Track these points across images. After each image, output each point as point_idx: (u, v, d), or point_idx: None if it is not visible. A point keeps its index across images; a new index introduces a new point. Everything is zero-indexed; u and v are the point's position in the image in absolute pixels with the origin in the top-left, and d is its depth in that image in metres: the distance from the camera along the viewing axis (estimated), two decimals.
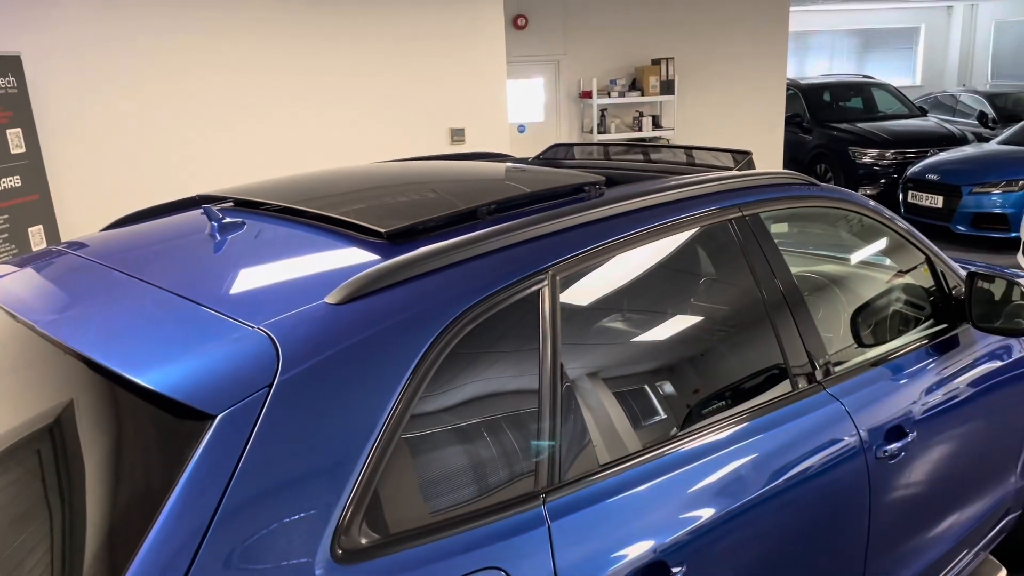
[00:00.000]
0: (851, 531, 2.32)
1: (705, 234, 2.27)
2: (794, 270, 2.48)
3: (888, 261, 3.02)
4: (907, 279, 2.93)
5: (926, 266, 2.90)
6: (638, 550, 1.75)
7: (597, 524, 1.74)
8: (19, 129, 5.66)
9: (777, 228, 2.57)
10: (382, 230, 1.86)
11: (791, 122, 12.74)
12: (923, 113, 13.32)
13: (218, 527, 1.34)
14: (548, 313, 1.82)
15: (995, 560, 3.23)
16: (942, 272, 2.91)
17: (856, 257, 3.22)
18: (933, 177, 9.84)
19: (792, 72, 19.07)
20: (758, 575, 2.02)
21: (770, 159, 11.38)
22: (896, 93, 13.58)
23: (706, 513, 1.90)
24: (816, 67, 19.91)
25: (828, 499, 2.22)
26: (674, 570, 1.78)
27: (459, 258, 1.77)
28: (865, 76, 14.49)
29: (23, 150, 5.67)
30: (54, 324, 1.70)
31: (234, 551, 1.34)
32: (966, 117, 14.13)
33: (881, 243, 2.96)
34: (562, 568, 1.64)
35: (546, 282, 1.84)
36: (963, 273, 2.99)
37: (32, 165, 5.74)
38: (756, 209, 2.37)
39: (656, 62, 10.32)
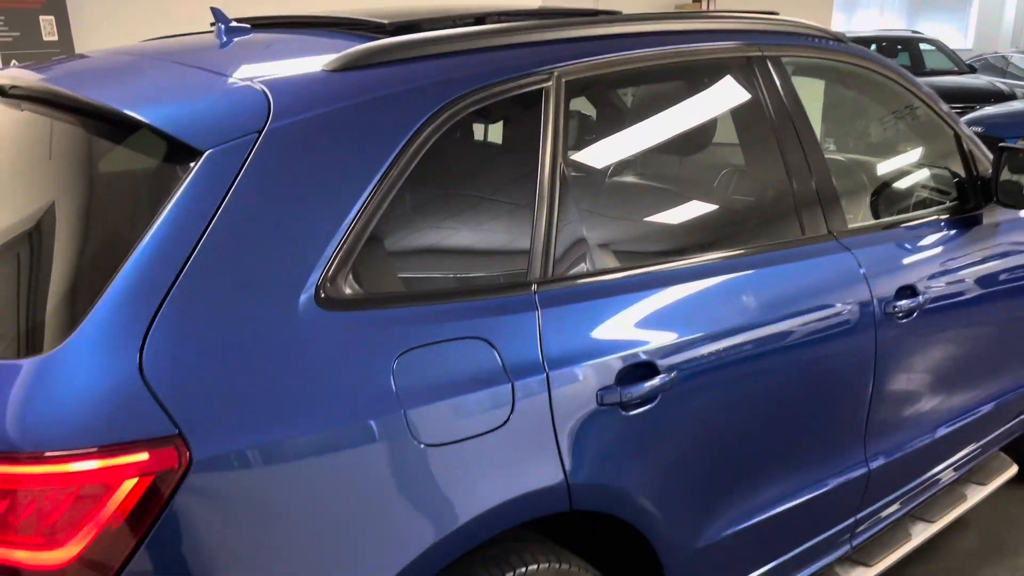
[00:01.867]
0: (854, 389, 2.27)
1: (723, 66, 2.21)
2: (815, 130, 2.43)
3: (913, 133, 2.94)
4: (931, 153, 2.85)
5: (953, 141, 2.82)
6: (628, 349, 1.73)
7: (587, 320, 1.72)
8: (52, 16, 5.69)
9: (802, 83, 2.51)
10: (385, 22, 1.85)
11: None
12: (972, 71, 12.94)
13: (199, 259, 1.34)
14: (552, 112, 1.79)
15: (1007, 456, 3.18)
16: (969, 150, 2.83)
17: (879, 126, 3.14)
18: (977, 129, 9.57)
19: (839, 26, 18.57)
20: (750, 416, 2.01)
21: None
22: (945, 50, 13.18)
23: (700, 329, 1.86)
24: (864, 22, 19.37)
25: (831, 348, 2.17)
26: (662, 375, 1.76)
27: (462, 47, 1.75)
28: (914, 31, 14.08)
29: (55, 38, 5.70)
30: (55, 81, 1.71)
31: (214, 284, 1.35)
32: (1016, 79, 13.71)
33: (907, 114, 2.88)
34: (549, 353, 1.63)
35: (551, 83, 1.80)
36: (990, 154, 2.90)
37: (64, 52, 5.78)
38: (777, 52, 2.30)
39: None
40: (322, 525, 1.36)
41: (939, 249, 2.57)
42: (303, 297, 1.41)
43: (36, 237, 1.50)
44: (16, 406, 1.23)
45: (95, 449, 1.21)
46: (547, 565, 1.66)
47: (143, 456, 1.23)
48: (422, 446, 1.45)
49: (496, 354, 1.57)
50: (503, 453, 1.55)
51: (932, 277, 2.48)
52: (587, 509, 1.67)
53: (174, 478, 1.24)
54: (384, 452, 1.42)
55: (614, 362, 1.71)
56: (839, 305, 2.18)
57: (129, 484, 1.22)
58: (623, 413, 1.71)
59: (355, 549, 1.39)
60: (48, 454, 1.20)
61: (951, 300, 2.56)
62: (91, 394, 1.24)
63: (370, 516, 1.40)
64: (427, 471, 1.46)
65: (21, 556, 1.20)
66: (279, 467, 1.32)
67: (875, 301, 2.27)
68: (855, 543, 2.47)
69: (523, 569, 1.62)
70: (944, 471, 2.77)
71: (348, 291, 1.47)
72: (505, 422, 1.54)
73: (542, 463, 1.60)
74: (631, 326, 1.78)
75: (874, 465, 2.39)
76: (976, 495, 2.91)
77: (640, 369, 1.74)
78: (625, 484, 1.72)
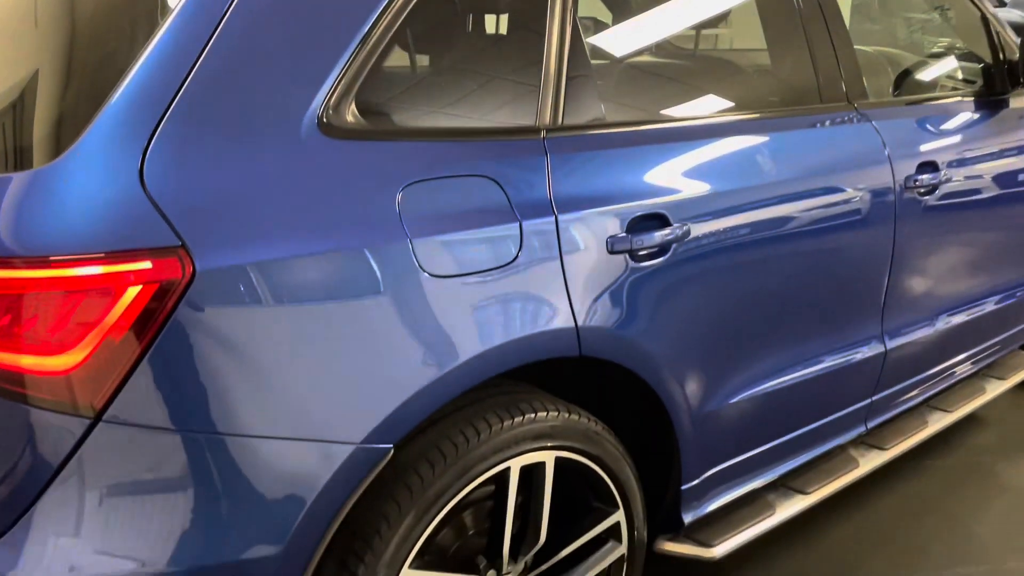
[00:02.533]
0: (871, 262, 2.23)
1: None
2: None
3: (939, 18, 2.85)
4: (958, 37, 2.77)
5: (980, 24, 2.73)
6: (640, 199, 1.70)
7: (598, 169, 1.69)
8: None
9: None
10: None
11: None
12: (1002, 6, 12.60)
13: (200, 75, 1.31)
14: None
15: None
16: (997, 34, 2.74)
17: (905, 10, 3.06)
18: None
19: None
20: (763, 279, 1.97)
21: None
22: None
23: (714, 186, 1.83)
24: None
25: (849, 218, 2.13)
26: (674, 227, 1.73)
27: None
28: None
29: None
30: None
31: (216, 102, 1.32)
32: None
33: None
34: (558, 196, 1.60)
35: None
36: (1018, 39, 2.81)
37: None
38: None
39: None
40: (324, 351, 1.35)
41: (963, 130, 2.51)
42: (305, 121, 1.38)
43: (35, 52, 1.48)
44: (18, 214, 1.22)
45: (100, 255, 1.20)
46: (556, 414, 1.65)
47: (146, 264, 1.21)
48: (429, 276, 1.42)
49: (503, 194, 1.54)
50: (511, 291, 1.53)
51: (954, 156, 2.41)
52: (596, 356, 1.65)
53: (177, 289, 1.23)
54: (390, 279, 1.40)
55: (625, 211, 1.67)
56: (857, 175, 2.14)
57: (133, 292, 1.21)
58: (633, 264, 1.68)
59: (357, 376, 1.38)
60: (53, 258, 1.19)
61: (972, 182, 2.50)
62: (93, 204, 1.23)
63: (374, 344, 1.39)
64: (434, 302, 1.44)
65: (26, 362, 1.20)
66: (282, 286, 1.31)
67: (895, 174, 2.21)
68: (870, 425, 2.45)
69: (532, 415, 1.61)
70: (961, 363, 2.74)
71: (351, 120, 1.43)
72: (513, 260, 1.52)
73: (550, 305, 1.58)
74: (643, 178, 1.75)
75: (891, 345, 2.36)
76: (995, 389, 2.87)
77: (651, 220, 1.71)
78: (635, 334, 1.70)
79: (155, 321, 1.22)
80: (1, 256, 1.21)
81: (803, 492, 2.26)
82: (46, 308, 1.20)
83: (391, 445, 1.41)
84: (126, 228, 1.22)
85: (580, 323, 1.61)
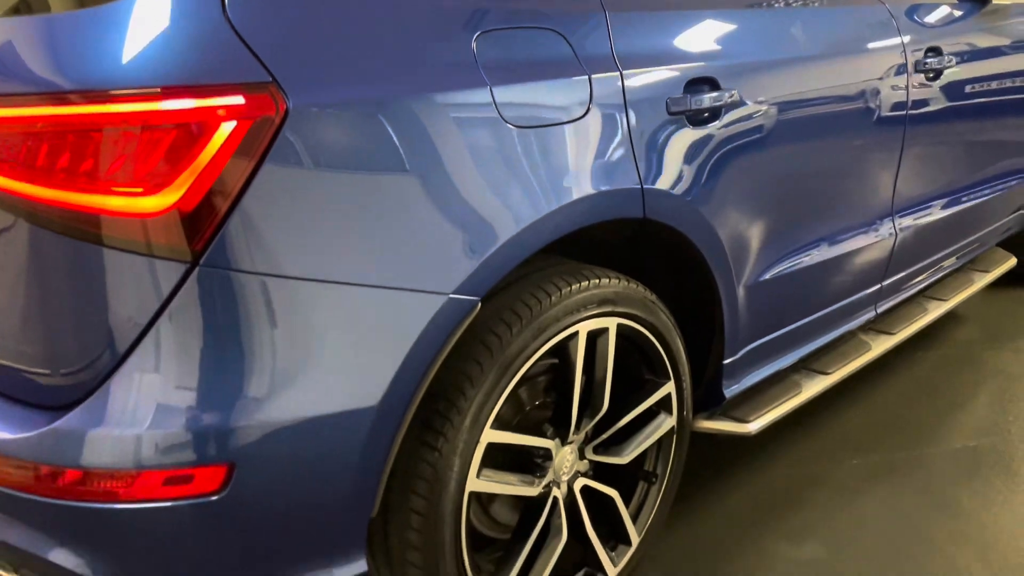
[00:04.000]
0: (888, 146, 2.29)
1: None
2: None
3: None
4: None
5: None
6: (693, 61, 1.70)
7: (654, 29, 1.69)
8: None
9: None
10: None
11: None
12: None
13: None
14: None
15: (1006, 251, 3.28)
16: None
17: None
18: None
19: None
20: (799, 149, 2.00)
21: None
22: None
23: (760, 53, 1.86)
24: None
25: (872, 97, 2.17)
26: (724, 90, 1.73)
27: None
28: None
29: None
30: None
31: None
32: None
33: None
34: (619, 52, 1.58)
35: None
36: None
37: None
38: None
39: None
40: (416, 197, 1.31)
41: (958, 21, 2.58)
42: None
43: None
44: (98, 45, 1.14)
45: (193, 86, 1.13)
46: (617, 281, 1.65)
47: (239, 100, 1.15)
48: (510, 127, 1.40)
49: (570, 47, 1.52)
50: (584, 146, 1.51)
51: (954, 44, 2.49)
52: (657, 219, 1.66)
53: (271, 127, 1.17)
54: (475, 127, 1.36)
55: (681, 72, 1.67)
56: (878, 56, 2.19)
57: (227, 128, 1.14)
58: (690, 127, 1.69)
59: (449, 226, 1.35)
60: (142, 90, 1.11)
61: (979, 68, 2.59)
62: (177, 37, 1.15)
63: (463, 192, 1.35)
64: (515, 152, 1.41)
65: (115, 203, 1.13)
66: (374, 127, 1.26)
67: (907, 56, 2.27)
68: (879, 310, 2.54)
69: (596, 281, 1.61)
70: (953, 254, 2.86)
71: None
72: (585, 113, 1.50)
73: (618, 163, 1.57)
74: (695, 41, 1.75)
75: (900, 229, 2.44)
76: (982, 280, 3.01)
77: (704, 84, 1.72)
78: (692, 199, 1.71)
79: (251, 161, 1.16)
80: (74, 90, 1.13)
81: (824, 373, 2.34)
82: (136, 145, 1.13)
83: (478, 298, 1.39)
84: (214, 61, 1.16)
85: (644, 184, 1.61)
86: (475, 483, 1.50)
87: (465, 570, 1.53)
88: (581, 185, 1.50)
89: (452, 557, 1.49)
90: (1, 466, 1.22)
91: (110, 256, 1.16)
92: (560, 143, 1.48)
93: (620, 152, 1.57)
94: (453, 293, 1.35)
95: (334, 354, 1.28)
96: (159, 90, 1.12)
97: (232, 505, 1.24)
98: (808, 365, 2.36)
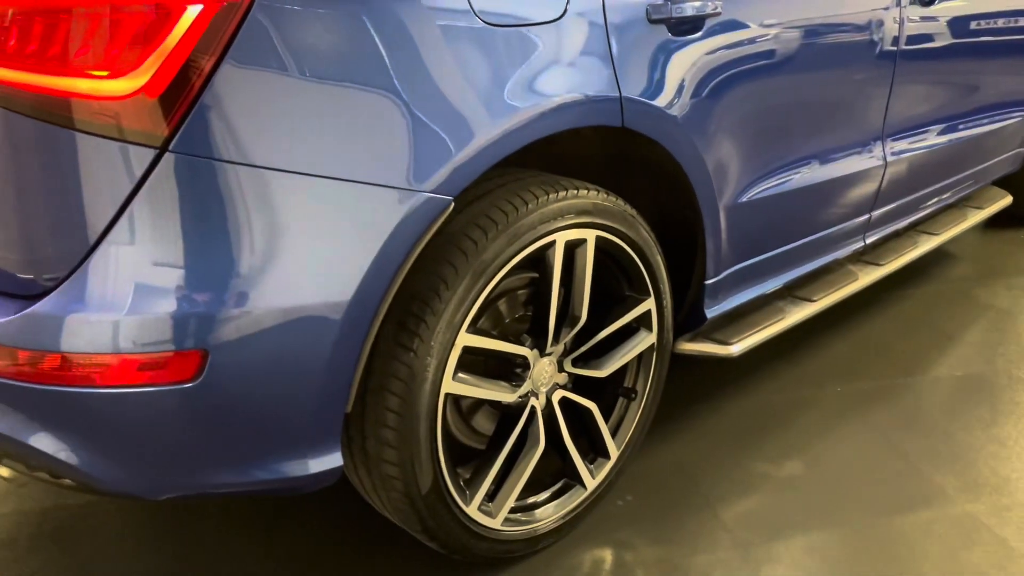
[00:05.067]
0: (879, 72, 2.27)
1: None
2: None
3: None
4: None
5: None
6: None
7: None
8: None
9: None
10: None
11: None
12: None
13: None
14: None
15: (1001, 189, 3.27)
16: None
17: None
18: None
19: None
20: (786, 70, 1.98)
21: None
22: None
23: None
24: None
25: (863, 18, 2.15)
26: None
27: None
28: None
29: None
30: None
31: None
32: None
33: None
34: None
35: None
36: None
37: None
38: None
39: None
40: (390, 91, 1.31)
41: None
42: None
43: None
44: None
45: None
46: (596, 192, 1.65)
47: None
48: (484, 24, 1.39)
49: None
50: (561, 49, 1.51)
51: None
52: (636, 129, 1.65)
53: (238, 12, 1.17)
54: (457, 25, 1.36)
55: None
56: None
57: (193, 12, 1.14)
58: (672, 37, 1.68)
59: (423, 123, 1.35)
60: None
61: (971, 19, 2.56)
62: None
63: (438, 90, 1.35)
64: (490, 51, 1.41)
65: (83, 86, 1.15)
66: (345, 16, 1.26)
67: None
68: (868, 240, 2.53)
69: (575, 191, 1.61)
70: (946, 188, 2.84)
71: None
72: (563, 15, 1.49)
73: (596, 69, 1.56)
74: None
75: (890, 158, 2.42)
76: (975, 216, 3.00)
77: None
78: (672, 110, 1.70)
79: (217, 46, 1.17)
80: None
81: (810, 300, 2.34)
82: (96, 27, 1.13)
83: (452, 198, 1.39)
84: None
85: (623, 92, 1.60)
86: (451, 385, 1.52)
87: (441, 472, 1.56)
88: (557, 88, 1.50)
89: (428, 456, 1.52)
90: None
91: (81, 140, 1.17)
92: (536, 44, 1.47)
93: (598, 57, 1.57)
94: (426, 191, 1.35)
95: (307, 246, 1.29)
96: None
97: (206, 393, 1.26)
98: (793, 292, 2.37)
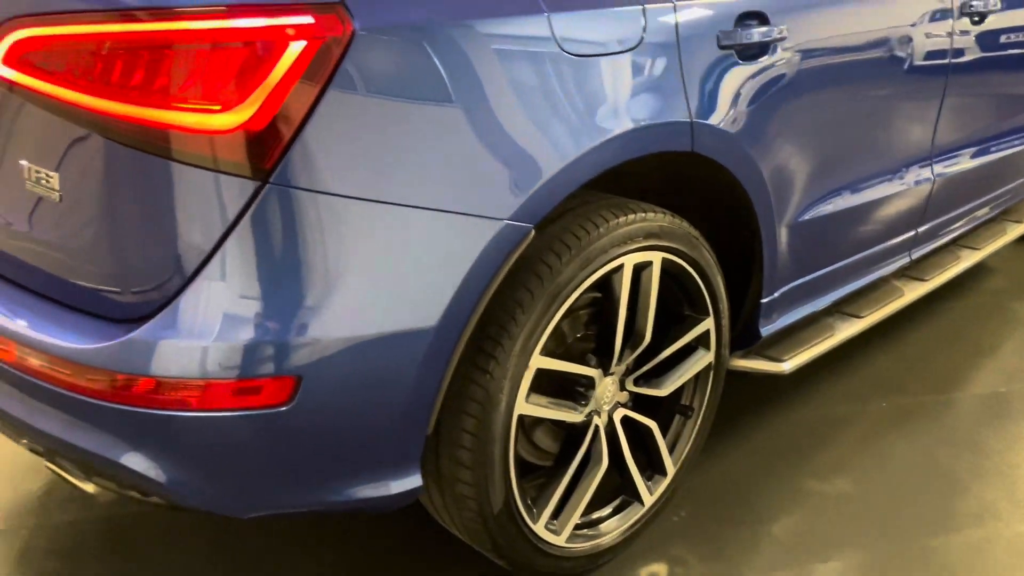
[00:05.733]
0: (931, 88, 2.29)
1: None
2: None
3: None
4: None
5: None
6: None
7: None
8: None
9: None
10: None
11: None
12: None
13: None
14: None
15: None
16: None
17: None
18: None
19: None
20: (844, 90, 2.00)
21: None
22: None
23: None
24: None
25: (918, 38, 2.17)
26: (772, 25, 1.74)
27: None
28: None
29: None
30: None
31: None
32: None
33: None
34: None
35: None
36: None
37: None
38: None
39: None
40: (477, 123, 1.33)
41: None
42: None
43: None
44: None
45: (264, 5, 1.16)
46: (663, 215, 1.67)
47: (309, 19, 1.17)
48: (567, 55, 1.41)
49: None
50: (638, 77, 1.53)
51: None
52: (705, 154, 1.67)
53: (339, 48, 1.19)
54: (541, 56, 1.39)
55: (731, 4, 1.68)
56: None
57: (296, 48, 1.17)
58: (740, 62, 1.70)
59: (507, 152, 1.37)
60: (212, 8, 1.14)
61: (1011, 17, 2.56)
62: None
63: (521, 120, 1.37)
64: (572, 81, 1.43)
65: (188, 120, 1.17)
66: (436, 52, 1.28)
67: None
68: (914, 256, 2.55)
69: (643, 214, 1.63)
70: (987, 203, 2.86)
71: None
72: (639, 44, 1.52)
73: (670, 95, 1.58)
74: None
75: (937, 175, 2.44)
76: (1014, 230, 3.02)
77: (754, 17, 1.72)
78: (739, 134, 1.72)
79: (318, 81, 1.19)
80: (146, 7, 1.16)
81: (858, 316, 2.36)
82: (209, 62, 1.16)
83: (533, 224, 1.42)
84: None
85: (694, 117, 1.62)
86: (524, 406, 1.55)
87: (512, 491, 1.58)
88: (634, 115, 1.52)
89: (500, 476, 1.54)
90: (78, 374, 1.27)
91: (183, 171, 1.19)
92: (615, 73, 1.49)
93: (671, 84, 1.58)
94: (510, 219, 1.38)
95: (396, 274, 1.31)
96: (226, 8, 1.15)
97: (298, 417, 1.29)
98: (841, 309, 2.39)
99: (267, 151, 1.19)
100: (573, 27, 1.43)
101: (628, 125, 1.50)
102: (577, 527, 1.74)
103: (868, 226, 2.28)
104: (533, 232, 1.42)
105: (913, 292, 2.54)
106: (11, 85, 1.27)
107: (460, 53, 1.30)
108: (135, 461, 1.30)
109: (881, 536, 1.97)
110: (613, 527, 1.82)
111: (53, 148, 1.28)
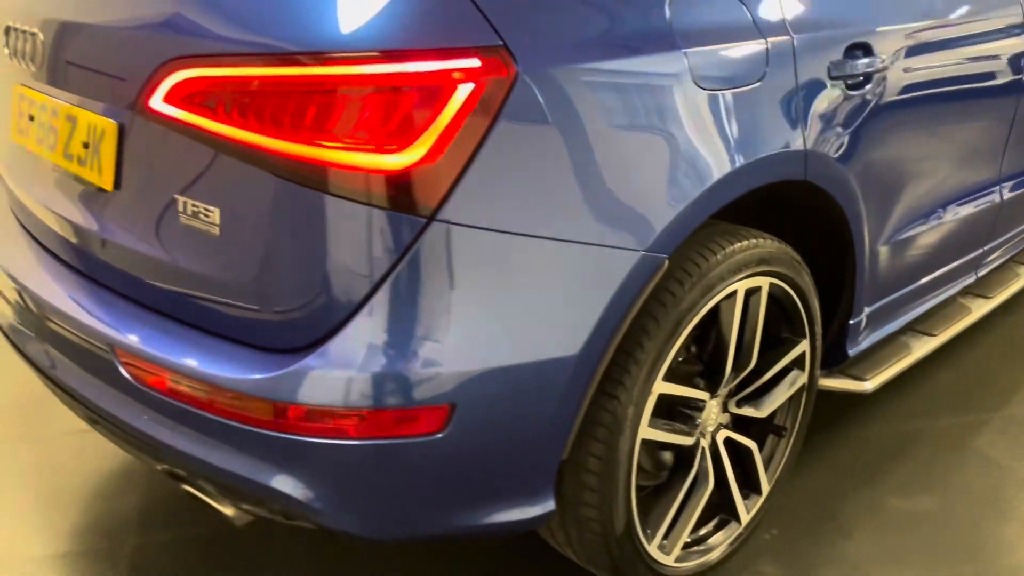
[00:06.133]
0: (1003, 109, 2.34)
1: None
2: None
3: None
4: None
5: None
6: (851, 25, 1.76)
7: None
8: None
9: None
10: None
11: None
12: None
13: None
14: None
15: None
16: None
17: None
18: None
19: None
20: (934, 112, 2.05)
21: None
22: None
23: (905, 19, 1.91)
24: None
25: (995, 59, 2.23)
26: (875, 56, 1.79)
27: None
28: None
29: None
30: None
31: None
32: None
33: None
34: (789, 17, 1.63)
35: None
36: None
37: None
38: None
39: None
40: (622, 157, 1.38)
41: None
42: None
43: None
44: (335, 9, 1.20)
45: (432, 49, 1.19)
46: (771, 241, 1.71)
47: (475, 62, 1.21)
48: (701, 89, 1.46)
49: (748, 13, 1.56)
50: (762, 109, 1.57)
51: None
52: (815, 182, 1.72)
53: (503, 90, 1.23)
54: (678, 91, 1.43)
55: (841, 36, 1.73)
56: (1000, 14, 2.23)
57: (465, 90, 1.20)
58: (848, 92, 1.74)
59: (647, 184, 1.41)
60: (386, 50, 1.18)
61: None
62: (412, 2, 1.21)
63: (662, 153, 1.42)
64: (707, 113, 1.47)
65: (360, 160, 1.20)
66: (585, 88, 1.32)
67: None
68: (979, 273, 2.60)
69: (754, 241, 1.66)
70: None
71: None
72: (763, 77, 1.56)
73: (790, 126, 1.63)
74: (849, 7, 1.80)
75: (1005, 196, 2.49)
76: None
77: (859, 48, 1.77)
78: (844, 162, 1.77)
79: (484, 122, 1.23)
80: (322, 52, 1.19)
81: (931, 334, 2.41)
82: (382, 103, 1.19)
83: (666, 256, 1.46)
84: (449, 24, 1.22)
85: (808, 146, 1.66)
86: (646, 431, 1.58)
87: (632, 513, 1.62)
88: (760, 146, 1.56)
89: (624, 499, 1.58)
90: (238, 403, 1.30)
91: (348, 210, 1.22)
92: (743, 105, 1.53)
93: (790, 115, 1.63)
94: (647, 250, 1.41)
95: (544, 305, 1.35)
96: (400, 52, 1.18)
97: (450, 444, 1.32)
98: (914, 327, 2.43)
99: (434, 190, 1.22)
100: (706, 62, 1.47)
101: (754, 155, 1.54)
102: (686, 545, 1.79)
103: (945, 246, 2.33)
104: (667, 263, 1.46)
105: (980, 309, 2.58)
106: (172, 122, 1.31)
107: (609, 91, 1.34)
108: (289, 486, 1.33)
109: (969, 556, 2.00)
110: (719, 541, 1.86)
111: (213, 183, 1.31)
